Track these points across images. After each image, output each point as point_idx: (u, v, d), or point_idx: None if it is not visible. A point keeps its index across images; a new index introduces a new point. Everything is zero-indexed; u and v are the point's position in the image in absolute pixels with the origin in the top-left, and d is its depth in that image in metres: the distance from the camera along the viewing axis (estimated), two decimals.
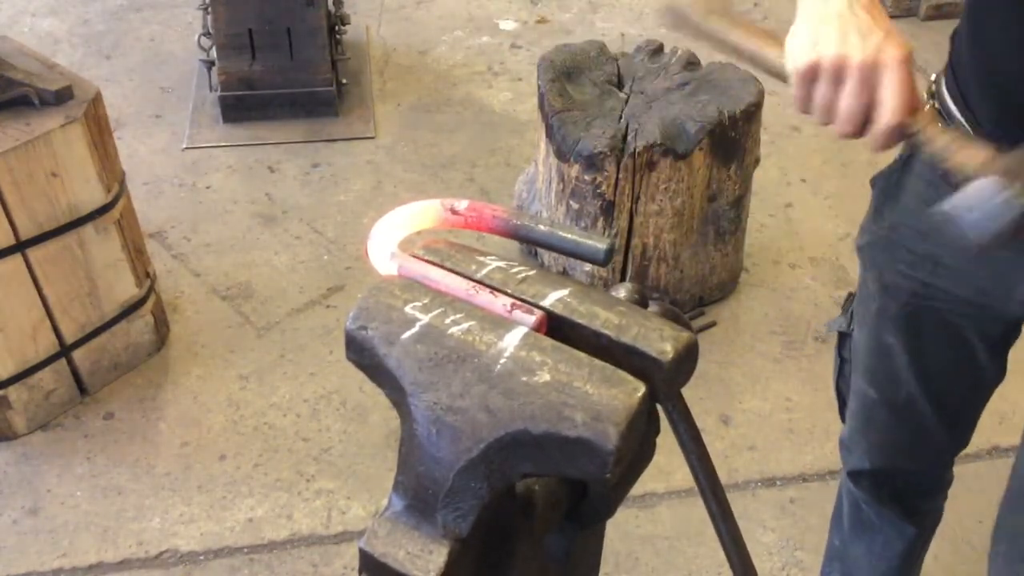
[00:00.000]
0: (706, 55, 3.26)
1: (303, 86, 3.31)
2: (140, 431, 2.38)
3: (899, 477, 1.62)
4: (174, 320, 2.65)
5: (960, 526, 2.18)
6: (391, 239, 0.77)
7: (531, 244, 0.81)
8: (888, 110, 0.94)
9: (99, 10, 3.98)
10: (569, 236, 0.78)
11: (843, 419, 1.64)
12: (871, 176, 1.39)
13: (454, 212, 0.79)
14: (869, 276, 1.42)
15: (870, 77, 0.94)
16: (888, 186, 1.34)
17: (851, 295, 1.55)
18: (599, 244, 0.77)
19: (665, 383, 0.69)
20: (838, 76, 0.95)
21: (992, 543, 1.46)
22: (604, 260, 0.77)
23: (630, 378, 0.67)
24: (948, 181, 1.20)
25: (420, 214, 0.79)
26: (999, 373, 1.44)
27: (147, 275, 2.49)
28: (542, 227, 0.78)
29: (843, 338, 1.57)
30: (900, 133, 0.95)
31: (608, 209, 2.48)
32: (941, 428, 1.51)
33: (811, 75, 0.96)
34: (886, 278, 1.37)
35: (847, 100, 0.95)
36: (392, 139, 3.35)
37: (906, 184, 1.30)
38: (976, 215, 0.92)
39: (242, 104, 3.31)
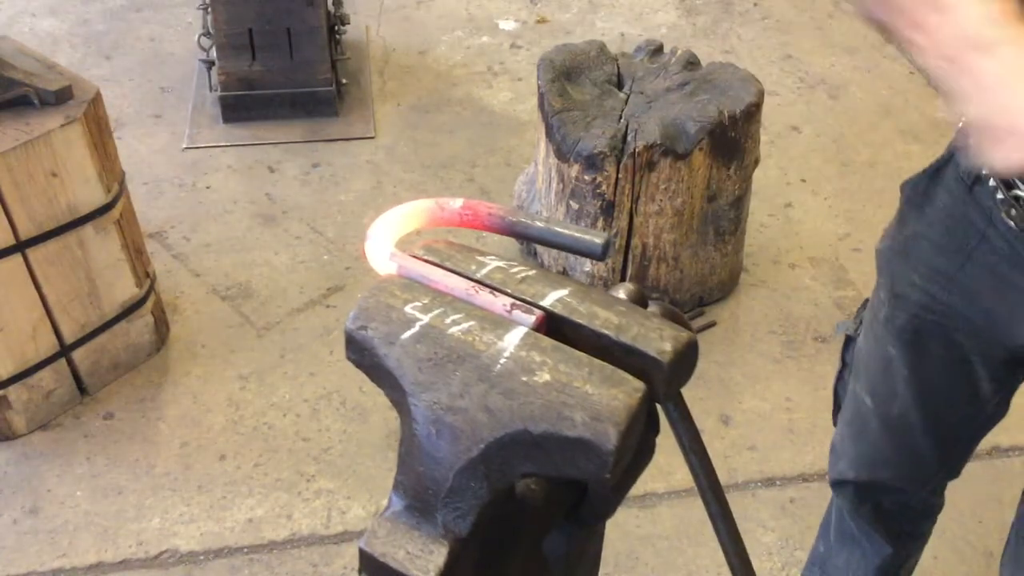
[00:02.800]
0: (705, 55, 3.26)
1: (303, 86, 3.31)
2: (140, 431, 2.38)
3: (882, 493, 1.58)
4: (174, 320, 2.66)
5: (960, 526, 2.18)
6: (388, 239, 0.77)
7: (528, 241, 0.80)
8: None
9: (99, 10, 3.98)
10: (566, 232, 0.77)
11: (835, 423, 1.63)
12: (901, 182, 1.33)
13: (450, 210, 0.79)
14: (881, 282, 1.38)
15: None
16: (915, 195, 1.29)
17: (867, 301, 1.52)
18: (596, 239, 0.76)
19: (665, 383, 0.69)
20: None
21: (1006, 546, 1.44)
22: (602, 255, 0.77)
23: (630, 378, 0.66)
24: (978, 198, 1.14)
25: (416, 213, 0.79)
26: (1000, 410, 1.40)
27: (147, 275, 2.49)
28: (538, 223, 0.78)
29: (849, 342, 1.55)
30: None
31: (608, 209, 2.48)
32: (932, 451, 1.47)
33: None
34: (898, 287, 1.34)
35: None
36: (392, 139, 3.35)
37: (933, 195, 1.26)
38: None
39: (242, 104, 3.32)
